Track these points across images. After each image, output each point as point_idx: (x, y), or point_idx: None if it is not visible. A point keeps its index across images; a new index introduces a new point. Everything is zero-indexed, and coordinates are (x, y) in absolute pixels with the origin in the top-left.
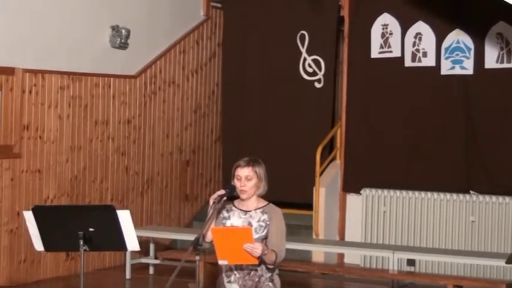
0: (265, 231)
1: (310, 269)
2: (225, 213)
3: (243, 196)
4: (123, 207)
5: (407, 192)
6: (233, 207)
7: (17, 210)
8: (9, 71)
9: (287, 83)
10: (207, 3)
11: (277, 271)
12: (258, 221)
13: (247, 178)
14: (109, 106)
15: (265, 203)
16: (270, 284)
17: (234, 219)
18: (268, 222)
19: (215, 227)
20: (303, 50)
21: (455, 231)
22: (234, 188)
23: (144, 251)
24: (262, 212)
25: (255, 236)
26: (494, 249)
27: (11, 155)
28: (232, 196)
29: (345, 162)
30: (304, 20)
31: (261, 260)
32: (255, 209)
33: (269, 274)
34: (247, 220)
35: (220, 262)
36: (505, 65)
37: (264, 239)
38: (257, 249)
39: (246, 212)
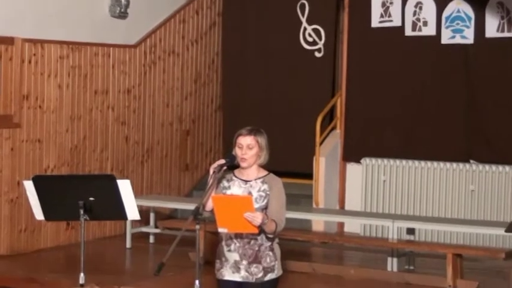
0: (265, 201)
1: (310, 238)
2: (225, 183)
3: (243, 164)
4: (123, 177)
5: (407, 161)
6: (233, 177)
7: (17, 180)
8: (8, 41)
9: (287, 52)
10: None
11: (277, 240)
12: (258, 190)
13: (249, 147)
14: (109, 76)
15: (266, 172)
16: (270, 253)
17: (235, 189)
18: (268, 192)
19: (216, 195)
20: (303, 20)
21: (455, 200)
22: (234, 157)
23: (144, 220)
24: (263, 182)
25: (256, 206)
26: (494, 217)
27: (11, 124)
28: (233, 165)
29: (345, 131)
30: None
31: (261, 230)
32: (256, 179)
33: (269, 243)
34: (248, 190)
35: (220, 230)
36: (506, 34)
37: (264, 209)
38: (257, 218)
39: (246, 181)
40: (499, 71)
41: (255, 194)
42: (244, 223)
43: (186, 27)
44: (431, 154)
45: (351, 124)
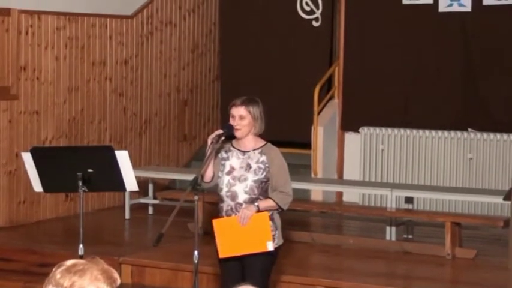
0: (264, 173)
1: (309, 208)
2: (223, 154)
3: (237, 134)
4: (121, 148)
5: (406, 130)
6: (231, 148)
7: (15, 152)
8: (4, 12)
9: (284, 21)
10: None
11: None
12: (257, 162)
13: (241, 117)
14: (106, 47)
15: (263, 143)
16: (270, 222)
17: (233, 160)
18: (267, 165)
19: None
20: None
21: (453, 168)
22: (231, 127)
23: (142, 191)
24: (261, 153)
25: (254, 178)
26: (492, 186)
27: (8, 96)
28: (231, 135)
29: (343, 100)
30: None
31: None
32: (253, 149)
33: (270, 213)
34: (246, 161)
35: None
36: (503, 2)
37: (264, 182)
38: (247, 212)
39: (244, 152)
40: (497, 39)
41: (253, 166)
42: (249, 241)
43: None
44: (430, 123)
45: (349, 93)
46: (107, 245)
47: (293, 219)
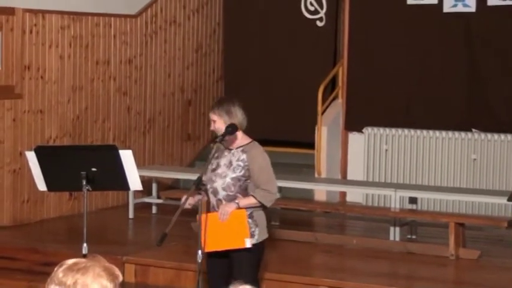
0: (242, 171)
1: (313, 208)
2: (215, 153)
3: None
4: (125, 147)
5: (409, 130)
6: (221, 146)
7: (19, 151)
8: (9, 11)
9: (289, 21)
10: None
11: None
12: (237, 160)
13: (214, 121)
14: (110, 46)
15: (248, 141)
16: (250, 220)
17: (221, 158)
18: (246, 163)
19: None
20: None
21: (457, 169)
22: (235, 126)
23: (146, 190)
24: (243, 151)
25: (233, 175)
26: (496, 186)
27: (13, 95)
28: (236, 136)
29: (347, 100)
30: None
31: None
32: (237, 147)
33: (249, 211)
34: (229, 158)
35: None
36: (508, 2)
37: (242, 180)
38: (227, 209)
39: (230, 150)
40: (501, 39)
41: (234, 163)
42: (229, 237)
43: None
44: (434, 123)
45: (353, 93)
46: (111, 244)
47: (297, 219)
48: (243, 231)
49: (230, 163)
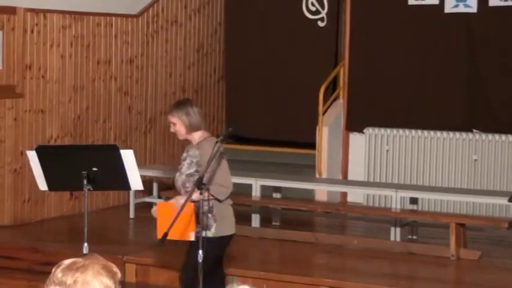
0: (194, 167)
1: (313, 208)
2: (184, 154)
3: (179, 137)
4: (126, 147)
5: (410, 131)
6: (189, 144)
7: (20, 150)
8: (10, 10)
9: (290, 21)
10: None
11: (226, 204)
12: (193, 156)
13: (173, 123)
14: (111, 45)
15: (203, 138)
16: (209, 214)
17: (187, 158)
18: (198, 159)
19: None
20: None
21: (458, 169)
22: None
23: (147, 190)
24: (197, 148)
25: (187, 171)
26: (497, 187)
27: (14, 94)
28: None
29: (348, 101)
30: None
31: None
32: (196, 144)
33: (209, 205)
34: (187, 156)
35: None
36: (509, 3)
37: (195, 176)
38: (178, 200)
39: (192, 147)
40: (502, 40)
41: (188, 160)
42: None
43: None
44: (435, 124)
45: (354, 94)
46: (112, 244)
47: (297, 219)
48: (190, 224)
49: (188, 160)
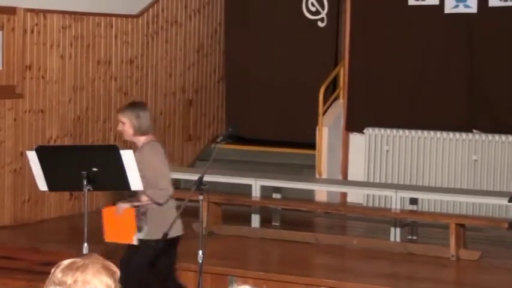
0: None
1: (313, 208)
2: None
3: (125, 137)
4: (126, 147)
5: (410, 131)
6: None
7: (20, 150)
8: (10, 11)
9: (290, 22)
10: None
11: (165, 207)
12: (136, 160)
13: (122, 122)
14: (111, 46)
15: (147, 141)
16: (142, 217)
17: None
18: (137, 162)
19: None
20: None
21: (458, 170)
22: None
23: None
24: (138, 152)
25: None
26: (497, 187)
27: (14, 95)
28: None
29: (348, 101)
30: None
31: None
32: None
33: (143, 209)
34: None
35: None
36: (509, 3)
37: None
38: (121, 205)
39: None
40: (502, 40)
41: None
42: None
43: None
44: (435, 124)
45: (354, 94)
46: (112, 244)
47: (297, 219)
48: (131, 228)
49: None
